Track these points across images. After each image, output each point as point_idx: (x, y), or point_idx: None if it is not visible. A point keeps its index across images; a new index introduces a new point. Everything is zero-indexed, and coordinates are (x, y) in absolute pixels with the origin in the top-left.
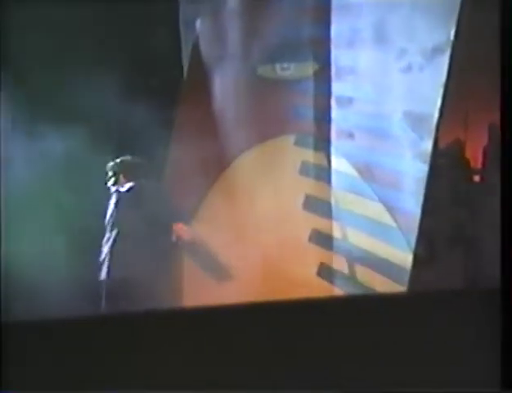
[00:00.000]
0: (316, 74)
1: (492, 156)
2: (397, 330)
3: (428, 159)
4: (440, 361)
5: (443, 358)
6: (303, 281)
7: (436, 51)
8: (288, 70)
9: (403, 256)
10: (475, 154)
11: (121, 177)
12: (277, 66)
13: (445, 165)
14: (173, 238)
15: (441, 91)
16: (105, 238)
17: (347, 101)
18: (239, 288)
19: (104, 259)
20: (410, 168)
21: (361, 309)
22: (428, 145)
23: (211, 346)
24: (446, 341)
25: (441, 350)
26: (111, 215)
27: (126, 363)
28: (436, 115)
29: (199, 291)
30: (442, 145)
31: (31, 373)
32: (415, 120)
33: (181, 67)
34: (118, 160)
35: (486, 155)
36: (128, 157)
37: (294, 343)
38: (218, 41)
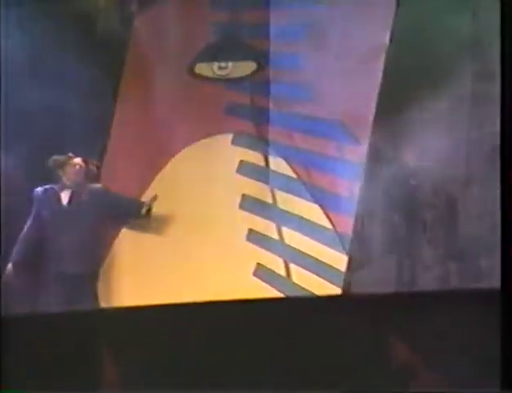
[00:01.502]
0: (254, 73)
1: (430, 157)
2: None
3: (364, 161)
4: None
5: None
6: (239, 281)
7: (372, 53)
8: (225, 68)
9: (338, 258)
10: (412, 155)
11: (61, 175)
12: (215, 65)
13: (381, 168)
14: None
15: (376, 93)
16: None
17: (285, 102)
18: (175, 288)
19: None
20: (347, 170)
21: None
22: (364, 148)
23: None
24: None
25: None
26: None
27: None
28: (371, 117)
29: (135, 291)
30: (378, 148)
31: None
32: (352, 123)
33: (120, 65)
34: (58, 157)
35: (424, 156)
36: (69, 155)
37: (229, 344)
38: (155, 38)
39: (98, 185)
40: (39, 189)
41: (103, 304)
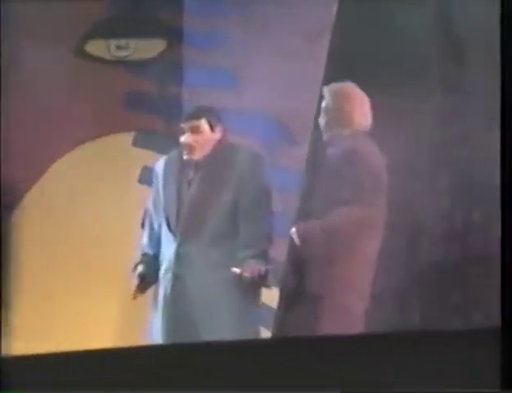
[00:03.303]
0: (163, 54)
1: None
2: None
3: (303, 166)
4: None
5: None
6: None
7: (314, 31)
8: (126, 48)
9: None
10: None
11: None
12: (112, 43)
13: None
14: None
15: (319, 82)
16: None
17: (202, 91)
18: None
19: None
20: (281, 179)
21: None
22: (303, 150)
23: None
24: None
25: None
26: None
27: None
28: (313, 112)
29: None
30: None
31: None
32: (287, 118)
33: None
34: None
35: None
36: None
37: None
38: (32, 9)
39: None
40: None
41: None
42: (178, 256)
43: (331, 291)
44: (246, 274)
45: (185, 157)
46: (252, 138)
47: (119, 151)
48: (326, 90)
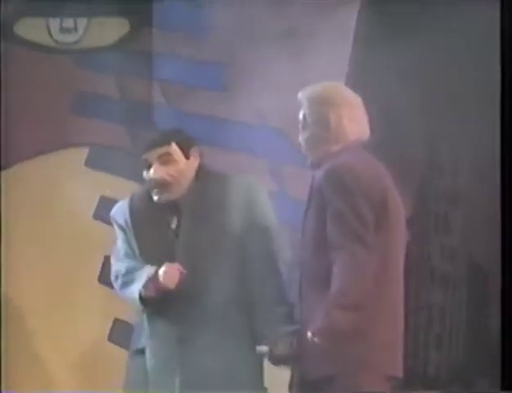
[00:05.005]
0: (125, 40)
1: None
2: None
3: None
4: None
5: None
6: None
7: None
8: (73, 31)
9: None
10: None
11: None
12: (54, 24)
13: None
14: None
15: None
16: None
17: (180, 90)
18: None
19: None
20: (287, 212)
21: None
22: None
23: None
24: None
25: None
26: None
27: None
28: None
29: None
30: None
31: None
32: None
33: None
34: None
35: None
36: None
37: None
38: None
39: None
40: None
41: None
42: (182, 343)
43: (344, 371)
44: (279, 352)
45: (156, 198)
46: (249, 156)
47: (69, 174)
48: (302, 96)
